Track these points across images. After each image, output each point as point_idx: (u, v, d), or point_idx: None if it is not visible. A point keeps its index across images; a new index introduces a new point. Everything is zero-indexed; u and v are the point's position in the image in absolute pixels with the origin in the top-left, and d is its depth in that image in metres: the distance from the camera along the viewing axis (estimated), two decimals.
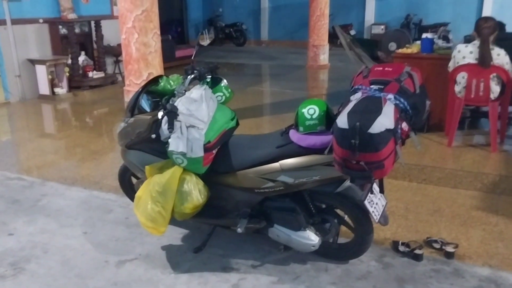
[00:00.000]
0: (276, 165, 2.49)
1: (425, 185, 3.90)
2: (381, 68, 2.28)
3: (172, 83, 2.87)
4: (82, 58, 8.24)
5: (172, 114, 2.50)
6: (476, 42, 4.26)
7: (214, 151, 2.65)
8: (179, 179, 2.60)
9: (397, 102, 2.12)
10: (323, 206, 2.73)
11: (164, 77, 2.91)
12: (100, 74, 8.36)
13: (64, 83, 7.73)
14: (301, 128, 2.44)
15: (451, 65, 4.42)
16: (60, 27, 7.84)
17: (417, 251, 2.81)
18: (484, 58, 4.15)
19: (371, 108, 2.05)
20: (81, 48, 8.27)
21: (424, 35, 4.87)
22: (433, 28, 8.84)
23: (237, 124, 2.88)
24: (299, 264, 2.77)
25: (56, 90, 7.60)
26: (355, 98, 2.17)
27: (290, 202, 2.59)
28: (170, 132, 2.50)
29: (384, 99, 2.09)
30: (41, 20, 7.64)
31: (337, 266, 2.75)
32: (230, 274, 2.68)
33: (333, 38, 10.66)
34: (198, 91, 2.68)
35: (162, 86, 2.86)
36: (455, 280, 2.60)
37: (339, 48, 9.56)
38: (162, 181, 2.59)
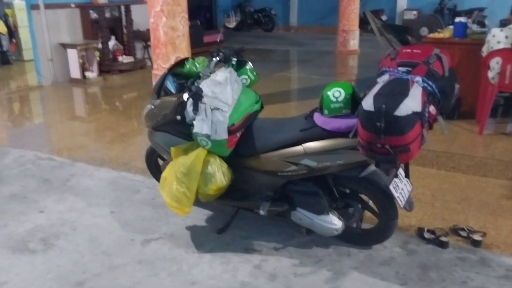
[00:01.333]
0: (299, 148, 2.48)
1: (453, 173, 3.81)
2: (409, 50, 2.23)
3: (198, 66, 2.88)
4: (112, 42, 8.35)
5: (197, 96, 2.51)
6: None
7: (238, 134, 2.66)
8: (203, 161, 2.62)
9: (425, 85, 2.07)
10: (347, 190, 2.71)
11: (190, 60, 2.92)
12: (130, 59, 8.47)
13: (95, 67, 7.86)
14: (326, 111, 2.42)
15: (484, 50, 4.28)
16: (91, 11, 7.95)
17: (443, 238, 2.77)
18: None
19: (398, 90, 2.01)
20: (111, 33, 8.38)
21: (457, 19, 4.72)
22: (468, 13, 8.56)
23: (262, 107, 2.87)
24: (322, 248, 2.76)
25: (87, 74, 7.74)
26: (382, 80, 2.14)
27: (313, 186, 2.58)
28: (195, 114, 2.52)
29: (412, 81, 2.05)
30: (72, 5, 7.76)
31: (360, 251, 2.73)
32: (253, 255, 2.70)
33: (363, 23, 10.48)
34: (223, 74, 2.68)
35: (188, 68, 2.87)
36: (481, 269, 2.55)
37: (370, 34, 9.38)
38: (187, 163, 2.62)
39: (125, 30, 8.59)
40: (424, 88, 2.06)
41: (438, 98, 2.12)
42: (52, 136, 5.19)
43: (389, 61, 2.24)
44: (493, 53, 4.16)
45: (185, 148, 2.75)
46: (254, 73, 2.96)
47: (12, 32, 9.78)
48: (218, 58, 2.80)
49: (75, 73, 7.65)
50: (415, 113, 1.95)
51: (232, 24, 3.57)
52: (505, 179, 3.67)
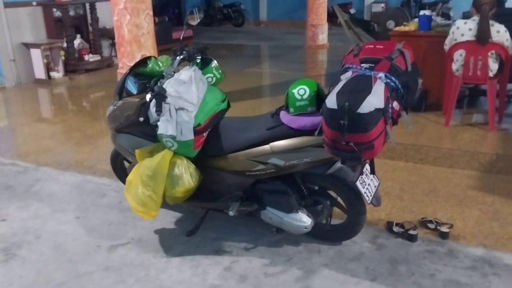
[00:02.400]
0: (266, 147, 2.46)
1: (421, 165, 3.86)
2: (372, 46, 2.22)
3: (161, 65, 2.82)
4: (77, 41, 8.13)
5: (160, 97, 2.45)
6: (476, 18, 4.16)
7: (205, 134, 2.61)
8: (169, 163, 2.57)
9: (388, 80, 2.07)
10: (316, 187, 2.70)
11: (153, 58, 2.85)
12: (96, 57, 8.27)
13: (60, 67, 7.64)
14: (291, 109, 2.40)
15: (447, 43, 4.33)
16: (54, 9, 7.72)
17: (412, 232, 2.79)
18: (483, 35, 4.06)
19: (360, 87, 2.00)
20: (76, 31, 8.16)
21: (421, 12, 4.76)
22: (434, 5, 8.68)
23: (228, 106, 2.83)
24: (292, 246, 2.75)
25: (52, 74, 7.52)
26: (345, 77, 2.12)
27: (282, 184, 2.56)
28: (159, 115, 2.46)
29: (374, 77, 2.04)
30: (34, 3, 7.51)
31: (330, 247, 2.73)
32: (223, 257, 2.67)
33: (332, 17, 10.49)
34: (187, 73, 2.63)
35: (151, 67, 2.80)
36: (449, 261, 2.58)
37: (339, 28, 9.41)
38: (152, 165, 2.56)
39: (90, 28, 8.38)
40: (387, 84, 2.05)
41: (402, 93, 2.12)
42: (15, 140, 5.02)
43: (352, 58, 2.22)
44: (456, 45, 4.21)
45: (150, 150, 2.69)
46: (220, 71, 2.91)
47: None
48: (182, 57, 2.74)
49: (40, 73, 7.42)
50: (378, 110, 1.94)
51: (195, 21, 3.47)
52: (471, 169, 3.74)
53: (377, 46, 2.20)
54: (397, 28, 5.02)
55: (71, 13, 7.96)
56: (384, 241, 2.79)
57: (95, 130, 5.04)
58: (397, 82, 2.09)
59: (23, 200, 3.44)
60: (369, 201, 2.44)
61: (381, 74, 2.06)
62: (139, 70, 2.83)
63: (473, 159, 3.82)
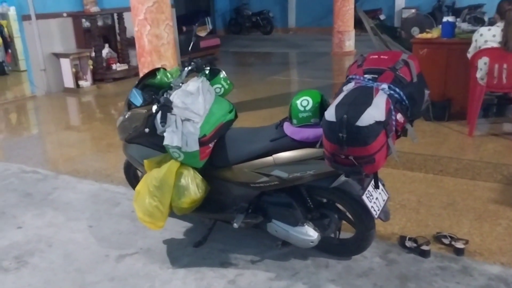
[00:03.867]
0: (269, 159, 2.42)
1: (441, 177, 3.73)
2: (376, 56, 2.16)
3: (169, 76, 2.83)
4: (105, 50, 8.34)
5: (166, 108, 2.46)
6: (500, 25, 4.01)
7: (211, 145, 2.60)
8: (176, 174, 2.57)
9: (391, 92, 2.00)
10: (324, 200, 2.64)
11: (162, 70, 2.87)
12: (124, 66, 8.45)
13: (88, 76, 7.85)
14: (294, 121, 2.36)
15: (471, 50, 4.18)
16: (84, 20, 7.94)
17: (424, 247, 2.68)
18: (508, 41, 3.90)
19: (361, 99, 1.94)
20: (104, 41, 8.37)
21: (445, 19, 4.63)
22: (467, 10, 8.43)
23: (236, 116, 2.81)
24: (299, 259, 2.69)
25: (81, 83, 7.73)
26: (347, 88, 2.07)
27: (287, 196, 2.51)
28: (163, 126, 2.47)
29: (376, 89, 1.97)
30: (64, 14, 7.76)
31: (338, 262, 2.66)
32: (228, 270, 2.64)
33: (361, 23, 10.37)
34: (195, 84, 2.63)
35: (159, 79, 2.82)
36: (462, 279, 2.47)
37: (367, 34, 9.30)
38: (159, 176, 2.57)
39: (118, 38, 8.57)
40: (390, 95, 1.98)
41: (407, 105, 2.05)
42: (40, 147, 5.17)
43: (355, 68, 2.17)
44: (480, 53, 4.06)
45: (158, 161, 2.70)
46: (228, 82, 2.90)
47: (8, 43, 9.79)
48: (190, 68, 2.75)
49: (69, 82, 7.64)
50: (378, 123, 1.88)
51: (204, 32, 3.44)
52: (493, 181, 3.58)
53: (381, 57, 2.14)
54: (419, 35, 4.89)
55: (100, 23, 8.17)
56: (396, 256, 2.70)
57: (117, 139, 5.06)
58: (401, 93, 2.02)
59: (40, 207, 3.52)
60: (376, 216, 2.36)
61: (384, 86, 1.99)
62: (148, 82, 2.86)
63: (496, 171, 3.66)
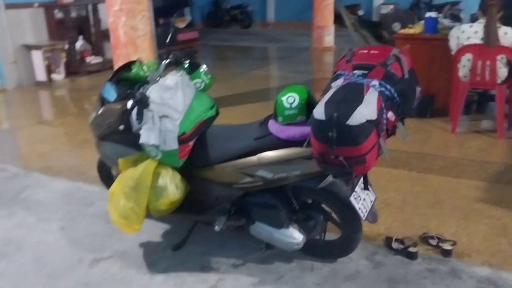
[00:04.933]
0: (254, 158, 2.30)
1: (426, 175, 3.66)
2: (366, 51, 2.05)
3: (146, 69, 2.67)
4: (80, 43, 8.07)
5: (142, 104, 2.31)
6: (482, 21, 3.97)
7: (191, 143, 2.46)
8: (153, 173, 2.42)
9: (382, 89, 1.90)
10: (309, 201, 2.54)
11: (137, 63, 2.71)
12: (98, 59, 8.19)
13: (61, 68, 7.58)
14: (280, 118, 2.24)
15: (453, 47, 4.13)
16: (56, 11, 7.65)
17: (411, 249, 2.60)
18: (490, 37, 3.86)
19: (351, 96, 1.83)
20: (79, 33, 8.09)
21: (427, 14, 4.58)
22: (442, 7, 8.44)
23: (217, 113, 2.67)
24: (284, 262, 2.59)
25: (53, 76, 7.47)
26: (336, 85, 1.96)
27: (271, 198, 2.39)
28: (139, 123, 2.32)
29: (367, 86, 1.87)
30: (36, 4, 7.44)
31: (324, 265, 2.56)
32: (209, 274, 2.51)
33: (340, 19, 10.31)
34: (173, 78, 2.49)
35: (135, 72, 2.66)
36: (451, 282, 2.40)
37: (347, 30, 9.25)
38: (135, 176, 2.42)
39: (93, 30, 8.30)
40: (381, 92, 1.88)
41: (398, 102, 1.95)
42: (10, 143, 4.92)
43: (344, 64, 2.06)
44: (463, 49, 4.02)
45: (134, 160, 2.54)
46: (209, 76, 2.76)
47: None
48: (168, 61, 2.59)
49: (41, 75, 7.36)
50: (370, 121, 1.77)
51: (183, 24, 3.32)
52: (478, 179, 3.54)
53: (371, 52, 2.03)
54: (402, 31, 4.84)
55: (73, 14, 7.89)
56: (382, 258, 2.61)
57: (91, 134, 4.91)
58: (392, 90, 1.92)
59: (9, 208, 3.32)
60: (364, 218, 2.27)
61: (375, 82, 1.89)
62: (123, 75, 2.69)
63: (481, 169, 3.63)
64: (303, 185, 2.33)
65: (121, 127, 2.43)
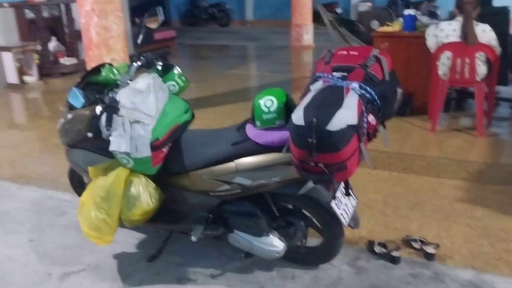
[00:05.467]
0: (231, 165, 2.20)
1: (406, 175, 3.62)
2: (345, 52, 1.96)
3: (116, 72, 2.54)
4: (53, 43, 7.83)
5: (111, 109, 2.20)
6: (460, 19, 3.95)
7: (165, 149, 2.35)
8: (125, 182, 2.31)
9: (363, 91, 1.81)
10: (290, 207, 2.45)
11: (107, 66, 2.57)
12: (73, 60, 7.96)
13: (34, 70, 7.33)
14: (258, 123, 2.14)
15: (432, 45, 4.10)
16: (27, 11, 7.40)
17: (394, 253, 2.55)
18: (468, 35, 3.84)
19: (330, 100, 1.75)
20: (52, 33, 7.85)
21: (406, 12, 4.54)
22: (419, 4, 8.47)
23: (193, 117, 2.57)
24: (264, 271, 2.50)
25: (25, 78, 7.22)
26: (315, 88, 1.87)
27: (250, 205, 2.30)
28: (109, 129, 2.20)
29: (347, 88, 1.79)
30: (6, 4, 7.18)
31: (305, 272, 2.48)
32: (185, 286, 2.41)
33: (319, 17, 10.27)
34: (144, 81, 2.37)
35: (105, 76, 2.52)
36: (435, 286, 2.35)
37: (325, 28, 9.21)
38: (106, 185, 2.30)
39: (67, 30, 8.06)
40: (361, 95, 1.80)
41: (379, 105, 1.88)
42: None
43: (323, 65, 1.97)
44: (442, 47, 3.99)
45: (105, 167, 2.42)
46: (183, 78, 2.64)
47: None
48: (139, 63, 2.47)
49: (12, 77, 7.10)
50: (350, 126, 1.69)
51: (155, 24, 3.17)
52: (458, 179, 3.50)
53: (351, 53, 1.95)
54: (381, 29, 4.79)
55: (45, 14, 7.66)
56: (365, 263, 2.55)
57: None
58: (373, 93, 1.84)
59: None
60: (346, 224, 2.20)
61: (355, 85, 1.81)
62: (92, 79, 2.56)
63: (461, 168, 3.60)
64: (283, 191, 2.24)
65: (90, 134, 2.30)
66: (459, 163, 3.62)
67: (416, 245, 2.64)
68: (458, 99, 5.05)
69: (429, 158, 3.74)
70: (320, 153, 1.72)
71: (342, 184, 2.20)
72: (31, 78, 7.29)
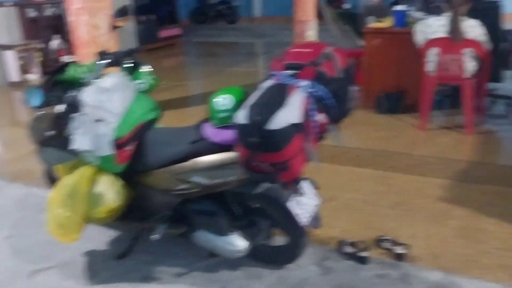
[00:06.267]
0: (188, 164, 2.18)
1: (392, 173, 3.55)
2: (297, 50, 1.94)
3: (82, 71, 2.55)
4: (56, 42, 7.89)
5: (73, 108, 2.20)
6: (449, 14, 3.85)
7: (130, 147, 2.35)
8: (91, 180, 2.32)
9: (312, 89, 1.78)
10: (255, 206, 2.42)
11: (73, 64, 2.58)
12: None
13: (36, 68, 7.41)
14: (214, 121, 2.12)
15: (420, 41, 4.01)
16: (29, 10, 7.49)
17: (363, 253, 2.50)
18: (455, 31, 3.75)
19: (275, 99, 1.72)
20: (55, 32, 7.93)
21: (395, 8, 4.45)
22: None
23: (159, 114, 2.56)
24: (230, 271, 2.48)
25: (28, 76, 7.30)
26: (264, 86, 1.84)
27: (210, 204, 2.29)
28: (71, 128, 2.21)
29: (292, 87, 1.75)
30: (8, 3, 7.28)
31: (272, 272, 2.45)
32: (149, 285, 2.40)
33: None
34: (110, 79, 2.37)
35: (70, 74, 2.53)
36: (401, 287, 2.30)
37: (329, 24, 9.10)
38: (71, 183, 2.32)
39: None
40: (310, 93, 1.76)
41: (331, 104, 1.84)
42: None
43: (277, 63, 1.94)
44: (430, 43, 3.90)
45: (72, 166, 2.44)
46: (152, 77, 2.64)
47: None
48: (106, 61, 2.47)
49: (14, 76, 7.20)
50: (293, 125, 1.66)
51: (123, 23, 3.12)
52: (444, 178, 3.42)
53: (303, 50, 1.92)
54: (372, 25, 4.71)
55: (48, 13, 7.72)
56: (333, 263, 2.51)
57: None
58: (324, 91, 1.80)
59: None
60: (303, 223, 2.17)
61: (304, 83, 1.78)
62: (59, 78, 2.56)
63: (447, 167, 3.52)
64: (243, 190, 2.22)
65: (52, 132, 2.31)
66: (446, 161, 3.54)
67: (387, 245, 2.59)
68: (454, 96, 4.93)
69: (416, 157, 3.67)
70: (262, 153, 1.69)
71: (305, 183, 2.18)
72: (33, 76, 7.37)
